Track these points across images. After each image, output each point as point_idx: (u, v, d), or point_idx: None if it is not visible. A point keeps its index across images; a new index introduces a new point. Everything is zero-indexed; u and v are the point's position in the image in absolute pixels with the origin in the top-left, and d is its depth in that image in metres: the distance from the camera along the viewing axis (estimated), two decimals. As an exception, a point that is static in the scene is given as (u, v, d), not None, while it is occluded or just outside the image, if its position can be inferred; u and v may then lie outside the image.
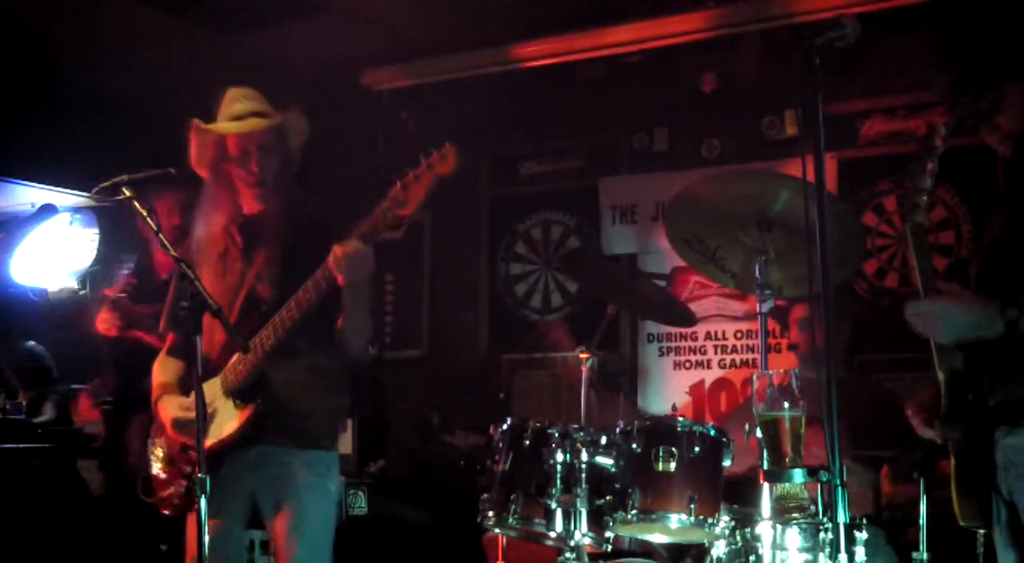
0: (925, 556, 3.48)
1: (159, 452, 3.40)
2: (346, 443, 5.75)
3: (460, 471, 5.54)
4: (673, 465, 2.97)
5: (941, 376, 2.60)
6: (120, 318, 4.30)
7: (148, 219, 2.97)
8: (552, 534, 3.09)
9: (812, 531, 2.79)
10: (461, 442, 5.96)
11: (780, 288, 3.24)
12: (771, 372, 2.58)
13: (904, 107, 5.58)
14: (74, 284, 7.62)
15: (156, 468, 3.41)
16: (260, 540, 3.67)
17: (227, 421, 3.18)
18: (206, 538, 2.76)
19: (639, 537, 3.36)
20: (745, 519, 3.06)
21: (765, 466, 2.63)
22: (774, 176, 3.38)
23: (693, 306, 5.56)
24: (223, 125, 3.30)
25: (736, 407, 5.57)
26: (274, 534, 3.25)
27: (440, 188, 3.02)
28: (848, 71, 5.44)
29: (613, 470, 3.05)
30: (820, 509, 2.78)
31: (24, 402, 6.57)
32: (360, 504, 5.47)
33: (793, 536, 2.81)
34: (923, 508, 3.52)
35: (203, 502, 2.75)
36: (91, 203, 7.30)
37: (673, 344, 6.15)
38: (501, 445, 3.25)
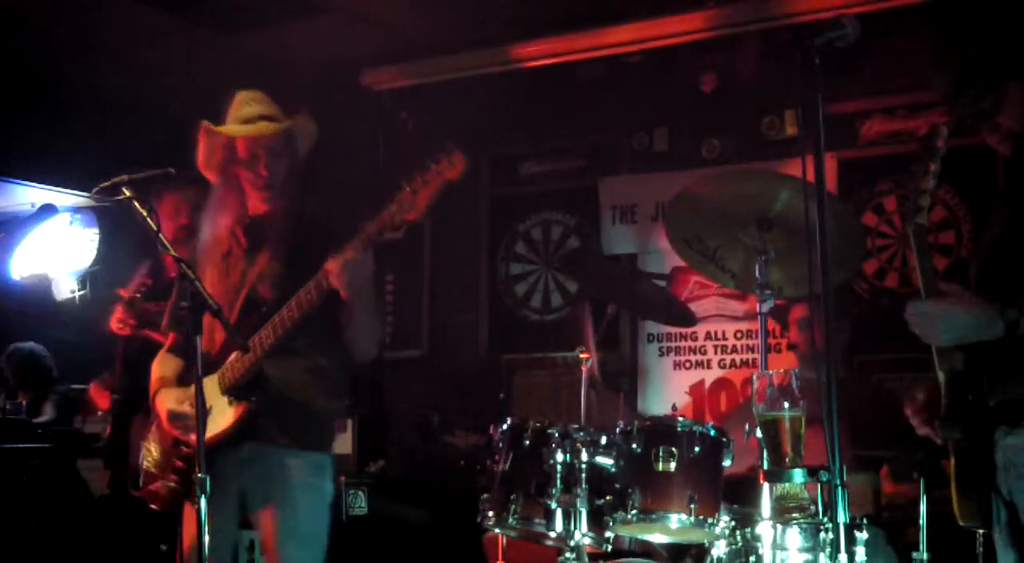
0: (925, 556, 3.48)
1: (152, 446, 3.42)
2: (346, 443, 5.75)
3: (460, 471, 5.54)
4: (673, 465, 2.97)
5: (941, 376, 2.60)
6: (133, 317, 4.32)
7: (148, 219, 2.97)
8: (552, 534, 3.08)
9: (812, 531, 2.79)
10: (461, 442, 5.96)
11: (780, 288, 3.23)
12: (771, 372, 2.58)
13: (904, 107, 5.58)
14: (74, 284, 7.62)
15: (147, 462, 3.42)
16: (260, 540, 3.66)
17: (220, 418, 3.18)
18: (206, 538, 2.76)
19: (639, 537, 3.36)
20: (745, 519, 3.05)
21: (765, 466, 2.63)
22: (774, 176, 3.38)
23: (693, 306, 5.56)
24: (232, 128, 3.32)
25: (736, 407, 5.58)
26: (263, 534, 3.25)
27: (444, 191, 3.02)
28: (848, 71, 5.44)
29: (613, 470, 3.05)
30: (820, 509, 2.78)
31: (24, 402, 6.57)
32: (360, 504, 5.47)
33: (793, 536, 2.81)
34: (923, 508, 3.52)
35: (203, 502, 2.75)
36: (91, 203, 7.30)
37: (673, 344, 6.15)
38: (501, 445, 3.25)
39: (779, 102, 5.83)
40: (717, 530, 2.99)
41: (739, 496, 3.16)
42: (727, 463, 3.05)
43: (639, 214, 6.27)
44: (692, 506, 2.92)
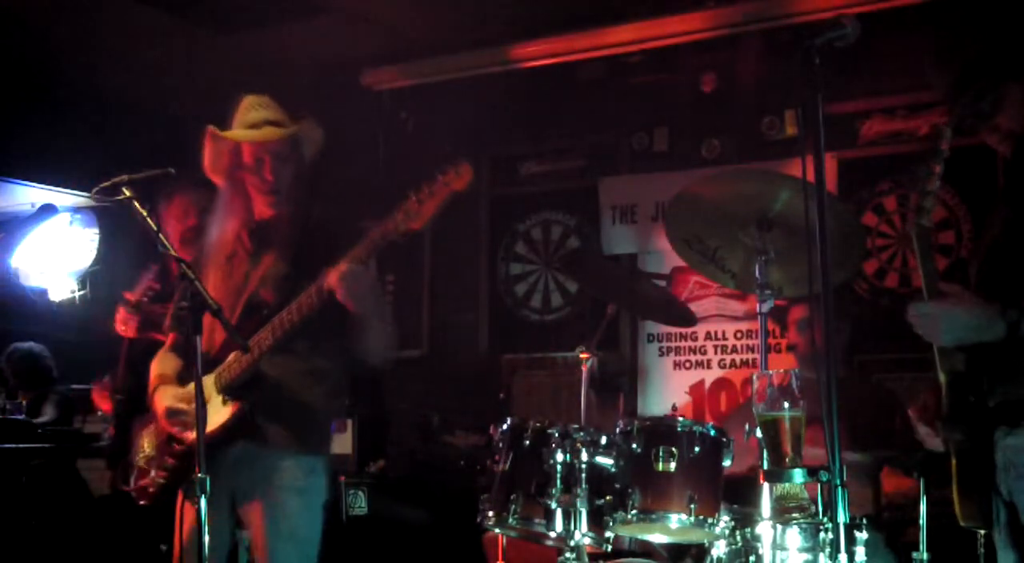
0: (925, 556, 3.48)
1: (146, 443, 3.43)
2: (346, 443, 5.76)
3: (460, 471, 5.55)
4: (673, 465, 2.97)
5: (942, 378, 2.60)
6: (138, 319, 4.32)
7: (148, 219, 2.97)
8: (552, 534, 3.08)
9: (812, 531, 2.78)
10: (461, 442, 5.96)
11: (780, 288, 3.23)
12: (771, 372, 2.58)
13: (904, 107, 5.58)
14: (74, 284, 7.62)
15: (139, 458, 3.44)
16: (250, 540, 3.66)
17: (214, 416, 3.18)
18: (206, 538, 2.76)
19: (639, 537, 3.36)
20: (745, 519, 3.05)
21: (765, 466, 2.63)
22: (774, 176, 3.37)
23: (693, 306, 5.57)
24: (238, 133, 3.33)
25: (736, 407, 5.58)
26: (253, 534, 3.25)
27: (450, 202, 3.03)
28: (848, 71, 5.44)
29: (613, 470, 3.04)
30: (820, 509, 2.78)
31: (24, 402, 6.57)
32: (360, 504, 5.47)
33: (793, 536, 2.80)
34: (923, 508, 3.52)
35: (203, 502, 2.75)
36: (91, 203, 7.31)
37: (673, 344, 6.15)
38: (501, 445, 3.25)
39: (779, 102, 5.84)
40: (717, 530, 2.99)
41: (739, 496, 3.16)
42: (727, 463, 3.05)
43: (639, 214, 6.27)
44: (692, 506, 2.92)
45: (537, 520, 3.10)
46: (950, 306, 2.51)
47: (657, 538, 3.30)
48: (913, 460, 3.51)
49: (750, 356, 5.90)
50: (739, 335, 5.97)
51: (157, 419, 3.36)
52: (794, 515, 2.79)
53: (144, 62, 6.26)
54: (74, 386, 6.84)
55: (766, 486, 2.86)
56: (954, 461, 2.63)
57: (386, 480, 5.80)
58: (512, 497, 3.11)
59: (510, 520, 3.12)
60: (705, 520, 2.95)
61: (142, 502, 3.41)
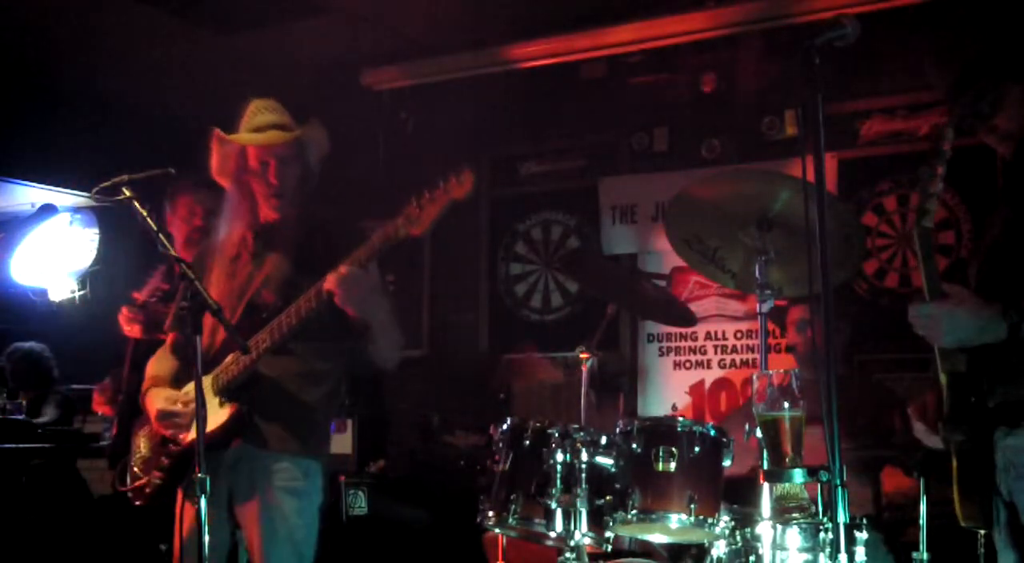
0: (925, 556, 3.48)
1: (141, 444, 3.44)
2: (346, 443, 5.76)
3: (460, 471, 5.55)
4: (673, 465, 2.97)
5: (943, 378, 2.60)
6: (144, 319, 4.32)
7: (148, 219, 2.98)
8: (552, 534, 3.08)
9: (812, 531, 2.78)
10: (461, 442, 5.96)
11: (780, 288, 3.23)
12: (771, 372, 2.59)
13: (904, 107, 5.58)
14: (74, 284, 7.62)
15: (135, 459, 3.44)
16: (246, 541, 3.66)
17: (210, 418, 3.17)
18: (206, 538, 2.76)
19: (639, 537, 3.36)
20: (745, 519, 3.05)
21: (765, 466, 2.63)
22: (774, 176, 3.37)
23: (693, 306, 5.57)
24: (243, 136, 3.34)
25: (736, 407, 5.58)
26: (248, 536, 3.25)
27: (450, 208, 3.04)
28: (848, 71, 5.45)
29: (613, 470, 3.04)
30: (820, 509, 2.78)
31: (24, 402, 6.57)
32: (360, 504, 5.47)
33: (793, 536, 2.80)
34: (923, 508, 3.52)
35: (203, 502, 2.75)
36: (91, 203, 7.30)
37: (673, 344, 6.15)
38: (501, 445, 3.25)
39: (779, 102, 5.84)
40: (717, 530, 2.99)
41: (739, 496, 3.16)
42: (727, 463, 3.05)
43: (639, 214, 6.27)
44: (692, 506, 2.92)
45: (537, 520, 3.10)
46: (951, 307, 2.51)
47: (657, 538, 3.30)
48: (913, 460, 3.51)
49: (750, 356, 5.90)
50: (739, 335, 5.97)
51: (152, 421, 3.36)
52: (794, 515, 2.79)
53: (144, 62, 6.26)
54: (74, 386, 6.84)
55: (766, 486, 2.86)
56: (954, 461, 2.63)
57: (386, 480, 5.80)
58: (512, 497, 3.11)
59: (510, 520, 3.12)
60: (705, 520, 2.95)
61: (138, 503, 3.41)
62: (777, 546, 2.81)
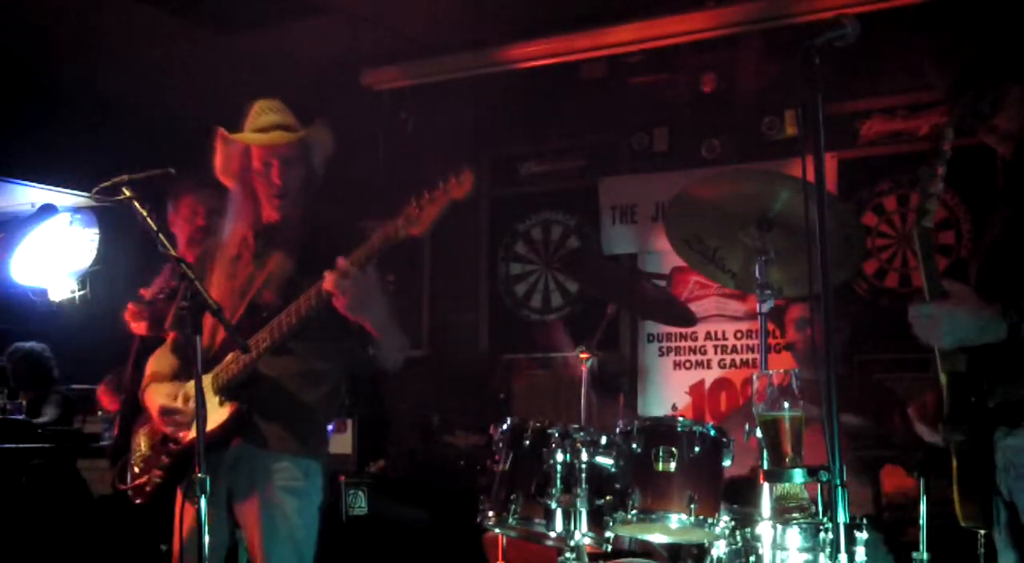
0: (925, 556, 3.48)
1: (141, 441, 3.44)
2: (346, 443, 5.76)
3: (460, 471, 5.55)
4: (673, 465, 2.97)
5: (943, 378, 2.60)
6: (151, 317, 4.33)
7: (148, 219, 2.98)
8: (552, 534, 3.08)
9: (812, 531, 2.78)
10: (461, 442, 5.96)
11: (780, 288, 3.23)
12: (771, 372, 2.58)
13: (904, 107, 5.58)
14: (74, 284, 7.62)
15: (135, 457, 3.44)
16: (246, 541, 3.67)
17: (210, 417, 3.18)
18: (206, 538, 2.76)
19: (639, 537, 3.36)
20: (745, 519, 3.05)
21: (765, 466, 2.63)
22: (774, 176, 3.37)
23: (693, 306, 5.57)
24: (247, 136, 3.34)
25: (736, 407, 5.58)
26: (248, 535, 3.25)
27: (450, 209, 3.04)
28: (848, 71, 5.45)
29: (613, 470, 3.04)
30: (820, 509, 2.78)
31: (24, 402, 6.57)
32: (360, 504, 5.47)
33: (793, 536, 2.80)
34: (923, 508, 3.52)
35: (203, 502, 2.75)
36: (91, 203, 7.31)
37: (673, 344, 6.15)
38: (501, 445, 3.25)
39: (779, 102, 5.84)
40: (717, 530, 2.99)
41: (739, 496, 3.16)
42: (727, 463, 3.05)
43: (639, 214, 6.27)
44: (692, 506, 2.92)
45: (537, 520, 3.10)
46: (951, 307, 2.51)
47: (657, 538, 3.30)
48: (913, 459, 3.51)
49: (750, 356, 5.90)
50: (739, 335, 5.97)
51: (152, 418, 3.36)
52: (794, 515, 2.79)
53: (144, 62, 6.26)
54: (74, 386, 6.85)
55: (766, 486, 2.86)
56: (955, 462, 2.63)
57: (386, 480, 5.80)
58: (512, 497, 3.11)
59: (510, 520, 3.12)
60: (705, 520, 2.95)
61: (138, 501, 3.41)
62: (777, 546, 2.81)
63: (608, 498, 3.02)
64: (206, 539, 2.77)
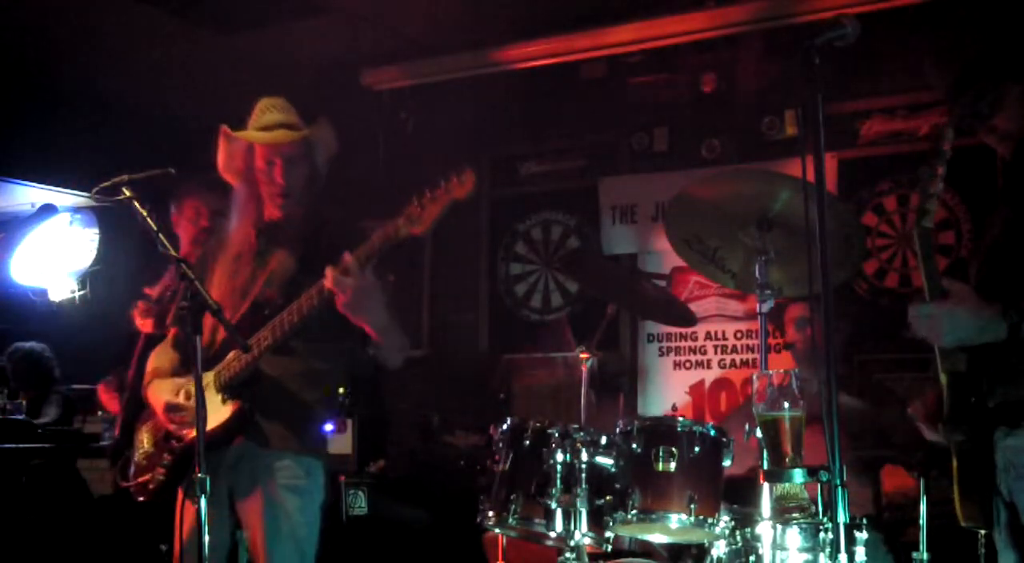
0: (925, 556, 3.48)
1: (144, 438, 3.44)
2: (346, 443, 5.75)
3: (460, 471, 5.54)
4: (673, 465, 2.97)
5: (943, 378, 2.60)
6: (158, 316, 4.33)
7: (148, 219, 2.98)
8: (552, 534, 3.08)
9: (812, 531, 2.78)
10: (461, 442, 5.96)
11: (780, 288, 3.23)
12: (771, 372, 2.58)
13: (904, 107, 5.58)
14: (74, 284, 7.62)
15: (139, 454, 3.43)
16: (248, 540, 3.67)
17: (212, 416, 3.18)
18: (206, 538, 2.76)
19: (639, 537, 3.36)
20: (745, 519, 3.05)
21: (765, 466, 2.63)
22: (774, 176, 3.37)
23: (693, 306, 5.57)
24: (250, 134, 3.34)
25: (736, 407, 5.58)
26: (251, 534, 3.25)
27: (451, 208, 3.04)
28: (848, 71, 5.45)
29: (613, 470, 3.04)
30: (820, 509, 2.78)
31: (24, 402, 6.57)
32: (360, 504, 5.47)
33: (793, 536, 2.80)
34: (923, 508, 3.52)
35: (203, 501, 2.75)
36: (91, 203, 7.31)
37: (673, 344, 6.15)
38: (501, 445, 3.25)
39: (779, 102, 5.84)
40: (717, 530, 2.99)
41: (739, 496, 3.16)
42: (727, 463, 3.05)
43: (639, 214, 6.27)
44: (692, 506, 2.92)
45: (537, 520, 3.10)
46: (951, 307, 2.51)
47: (657, 538, 3.30)
48: (914, 458, 3.51)
49: (750, 356, 5.90)
50: (739, 335, 5.97)
51: (155, 414, 3.36)
52: (794, 515, 2.79)
53: (144, 62, 6.26)
54: (74, 386, 6.84)
55: (766, 486, 2.86)
56: (955, 461, 2.63)
57: (386, 480, 5.80)
58: (512, 497, 3.11)
59: (510, 520, 3.12)
60: (705, 520, 2.95)
61: (141, 498, 3.41)
62: (777, 546, 2.81)
63: (608, 498, 3.02)
64: (206, 539, 2.77)
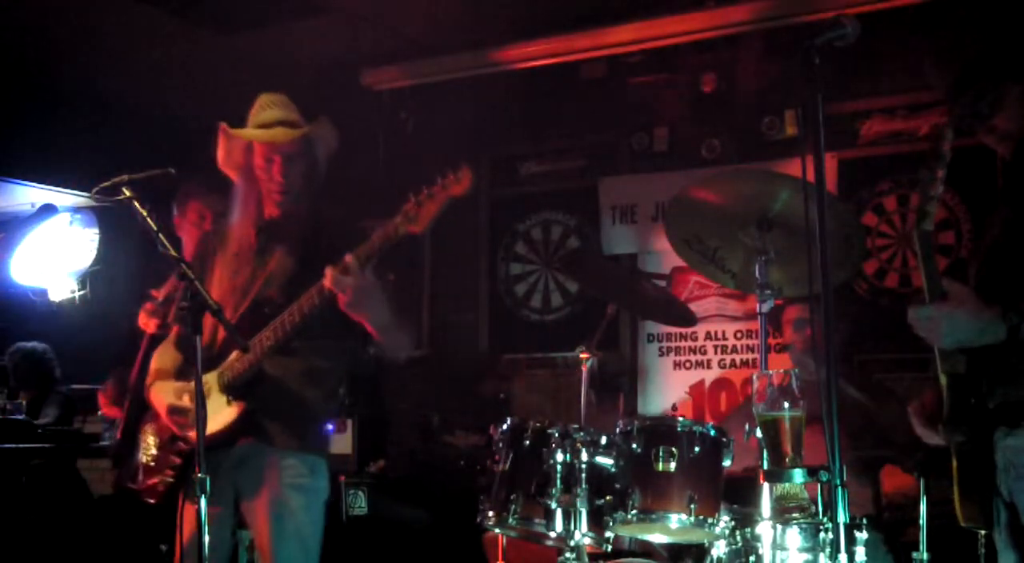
0: (925, 556, 3.48)
1: (150, 440, 3.43)
2: (346, 443, 5.75)
3: (460, 471, 5.55)
4: (673, 465, 2.97)
5: (942, 379, 2.60)
6: (164, 317, 4.33)
7: (148, 219, 2.98)
8: (552, 534, 3.08)
9: (812, 531, 2.78)
10: (461, 442, 5.96)
11: (780, 288, 3.23)
12: (771, 372, 2.58)
13: (904, 107, 5.58)
14: (74, 284, 7.62)
15: (145, 456, 3.43)
16: (254, 540, 3.68)
17: (217, 416, 3.19)
18: (206, 538, 2.76)
19: (639, 537, 3.36)
20: (745, 519, 3.05)
21: (765, 466, 2.63)
22: (774, 176, 3.37)
23: (693, 306, 5.57)
24: (249, 132, 3.34)
25: (736, 407, 5.58)
26: (257, 534, 3.26)
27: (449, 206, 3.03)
28: (848, 71, 5.45)
29: (613, 470, 3.04)
30: (820, 509, 2.78)
31: (24, 402, 6.57)
32: (360, 504, 5.47)
33: (793, 536, 2.80)
34: (923, 508, 3.52)
35: (203, 501, 2.75)
36: (91, 203, 7.31)
37: (673, 344, 6.15)
38: (501, 445, 3.25)
39: (779, 102, 5.83)
40: (717, 530, 2.99)
41: (739, 496, 3.16)
42: (727, 463, 3.05)
43: (639, 214, 6.27)
44: (692, 506, 2.92)
45: (537, 520, 3.10)
46: (951, 309, 2.51)
47: (657, 538, 3.30)
48: (913, 459, 3.51)
49: (750, 356, 5.90)
50: (739, 335, 5.97)
51: (159, 416, 3.36)
52: (794, 515, 2.79)
53: (144, 62, 6.26)
54: (74, 386, 6.84)
55: (766, 486, 2.86)
56: (955, 462, 2.63)
57: (386, 480, 5.80)
58: (512, 497, 3.11)
59: (510, 520, 3.12)
60: (705, 520, 2.95)
61: (151, 501, 3.40)
62: (777, 546, 2.81)
63: (608, 498, 3.02)
64: (206, 539, 2.77)
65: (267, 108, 3.36)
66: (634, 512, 2.95)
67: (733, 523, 3.03)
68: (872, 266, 5.65)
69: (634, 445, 3.02)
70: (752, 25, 5.79)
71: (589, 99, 6.47)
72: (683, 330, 6.03)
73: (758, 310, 3.21)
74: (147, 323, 4.34)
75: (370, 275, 3.08)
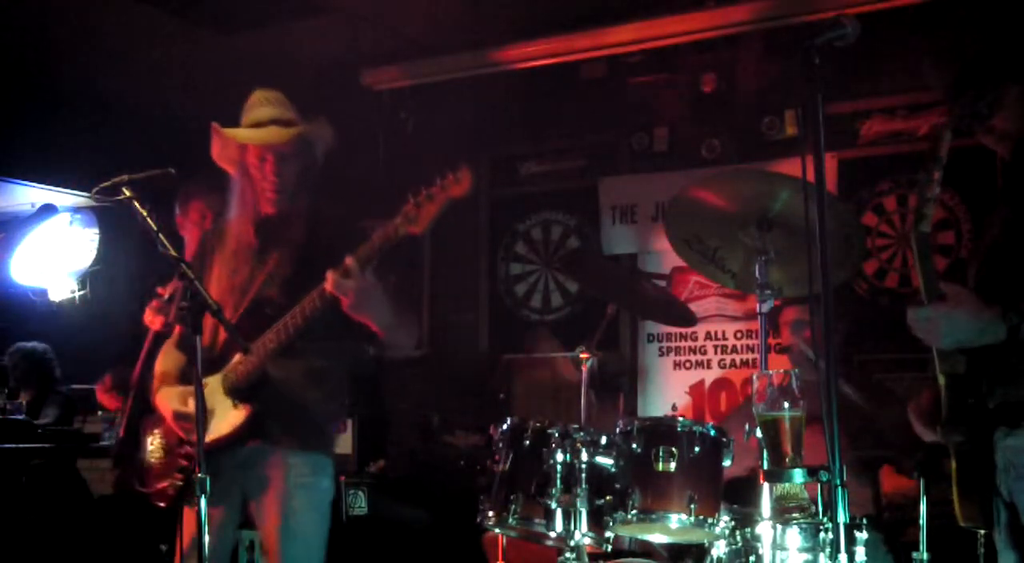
0: (925, 556, 3.48)
1: (157, 443, 3.43)
2: (346, 443, 5.75)
3: (460, 471, 5.54)
4: (673, 465, 2.96)
5: (941, 379, 2.60)
6: (167, 314, 4.33)
7: (148, 219, 2.98)
8: (552, 534, 3.08)
9: (812, 531, 2.78)
10: (461, 442, 5.96)
11: (780, 288, 3.23)
12: (771, 372, 2.59)
13: (904, 107, 5.58)
14: (74, 284, 7.62)
15: (153, 460, 3.43)
16: (260, 540, 3.68)
17: (224, 419, 3.19)
18: (206, 538, 2.77)
19: (639, 537, 3.36)
20: (745, 519, 3.05)
21: (765, 466, 2.63)
22: (774, 176, 3.37)
23: (693, 306, 5.57)
24: (241, 132, 3.33)
25: (736, 407, 5.57)
26: (264, 534, 3.26)
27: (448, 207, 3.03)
28: (848, 71, 5.45)
29: (613, 470, 3.04)
30: (820, 509, 2.78)
31: (24, 402, 6.57)
32: (360, 504, 5.47)
33: (793, 536, 2.80)
34: (923, 508, 3.52)
35: (203, 502, 2.75)
36: (91, 203, 7.31)
37: (673, 344, 6.15)
38: (501, 445, 3.25)
39: (779, 102, 5.83)
40: (717, 530, 2.99)
41: (739, 496, 3.16)
42: (727, 463, 3.05)
43: (639, 214, 6.27)
44: (692, 506, 2.92)
45: (537, 520, 3.09)
46: (950, 309, 2.51)
47: (657, 538, 3.30)
48: (913, 460, 3.51)
49: (750, 356, 5.90)
50: (739, 335, 5.97)
51: (165, 421, 3.36)
52: (794, 515, 2.79)
53: (144, 62, 6.26)
54: (74, 386, 6.84)
55: (766, 486, 2.86)
56: (954, 462, 2.63)
57: (386, 480, 5.80)
58: (512, 497, 3.11)
59: (510, 520, 3.12)
60: (705, 520, 2.95)
61: (161, 504, 3.40)
62: (777, 546, 2.81)
63: (608, 498, 3.02)
64: (206, 539, 2.77)
65: (260, 105, 3.35)
66: (634, 512, 2.95)
67: (733, 523, 3.03)
68: (872, 266, 5.65)
69: (634, 445, 3.02)
70: (752, 25, 5.79)
71: (589, 99, 6.47)
72: (683, 330, 6.03)
73: (758, 310, 3.21)
74: (152, 320, 4.34)
75: (371, 277, 3.08)
